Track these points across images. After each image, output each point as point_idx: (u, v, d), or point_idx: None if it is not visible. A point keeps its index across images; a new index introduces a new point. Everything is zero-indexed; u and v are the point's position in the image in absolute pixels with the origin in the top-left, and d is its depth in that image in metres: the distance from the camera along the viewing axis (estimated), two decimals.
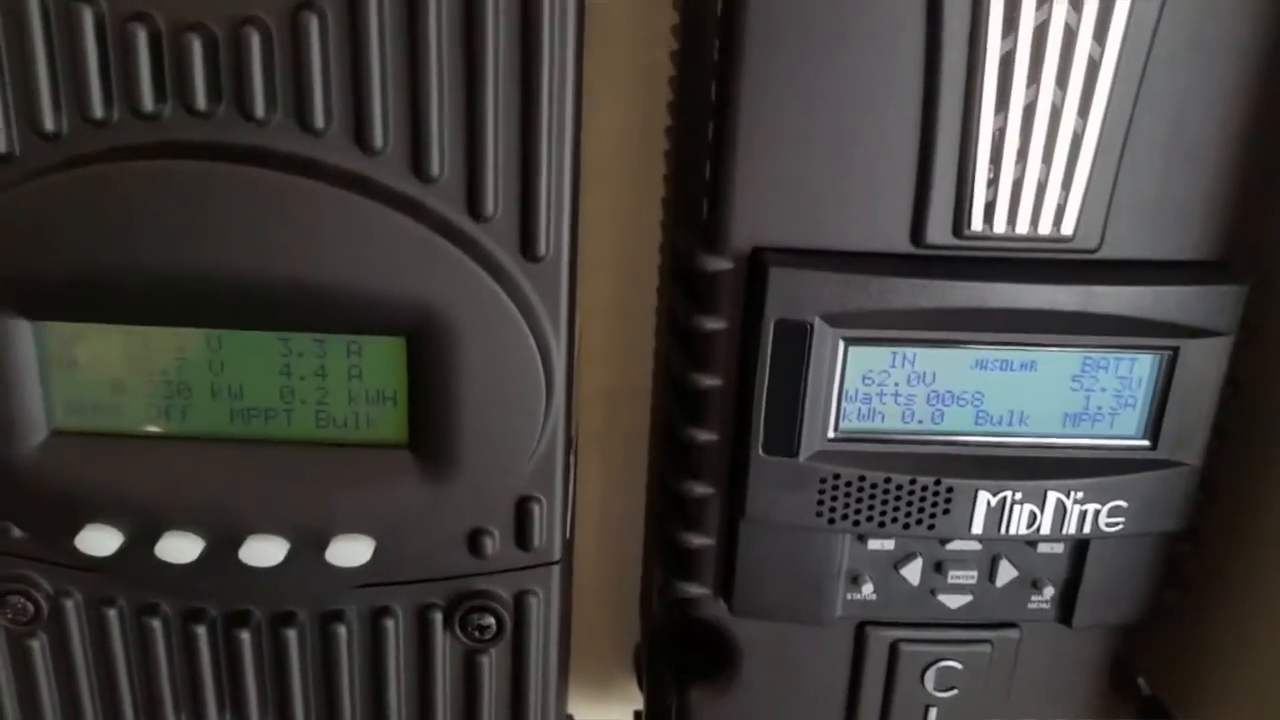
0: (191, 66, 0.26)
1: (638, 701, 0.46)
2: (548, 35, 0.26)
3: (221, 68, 0.26)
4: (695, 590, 0.36)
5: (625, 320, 0.44)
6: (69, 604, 0.32)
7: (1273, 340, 0.34)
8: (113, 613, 0.32)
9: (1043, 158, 0.30)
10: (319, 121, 0.27)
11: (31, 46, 0.26)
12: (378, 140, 0.27)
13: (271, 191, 0.26)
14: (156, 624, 0.32)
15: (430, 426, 0.29)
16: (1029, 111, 0.29)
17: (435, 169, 0.27)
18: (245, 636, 0.32)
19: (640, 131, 0.40)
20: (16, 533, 0.31)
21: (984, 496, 0.32)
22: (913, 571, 0.34)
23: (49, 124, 0.27)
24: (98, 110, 0.26)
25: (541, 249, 0.28)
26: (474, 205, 0.28)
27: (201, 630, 0.32)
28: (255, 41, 0.26)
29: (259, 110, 0.26)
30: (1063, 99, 0.29)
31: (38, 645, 0.33)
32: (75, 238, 0.27)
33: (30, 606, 0.32)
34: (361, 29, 0.26)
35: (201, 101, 0.26)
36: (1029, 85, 0.29)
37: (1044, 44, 0.29)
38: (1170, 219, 0.31)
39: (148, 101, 0.26)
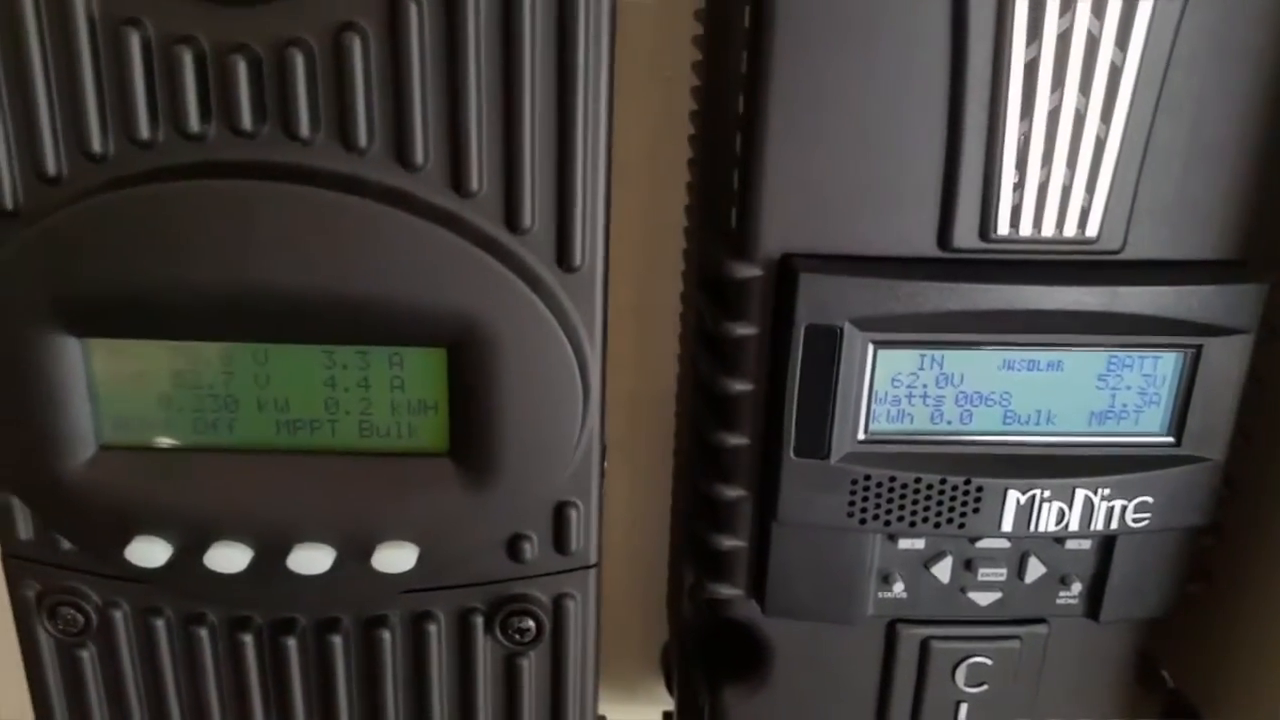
0: (237, 88, 0.26)
1: (666, 702, 0.46)
2: (582, 55, 0.27)
3: (266, 88, 0.27)
4: (727, 591, 0.36)
5: (648, 325, 0.45)
6: (117, 615, 0.33)
7: None
8: (160, 622, 0.33)
9: (1067, 162, 0.30)
10: (361, 140, 0.27)
11: (80, 70, 0.27)
12: (418, 157, 0.27)
13: (315, 208, 0.27)
14: (204, 633, 0.33)
15: (471, 434, 0.30)
16: (1053, 117, 0.30)
17: (474, 184, 0.28)
18: (291, 643, 0.33)
19: (662, 140, 0.41)
20: (66, 546, 0.32)
21: (1013, 495, 0.33)
22: (943, 570, 0.35)
23: (96, 146, 0.27)
24: (144, 132, 0.27)
25: (577, 259, 0.29)
26: (512, 219, 0.28)
27: (248, 638, 0.33)
28: (299, 62, 0.26)
29: (303, 129, 0.27)
30: (1086, 104, 0.30)
31: (87, 656, 0.33)
32: (123, 257, 0.27)
33: (80, 618, 0.33)
34: (402, 50, 0.26)
35: (247, 122, 0.27)
36: (1053, 91, 0.29)
37: (1067, 51, 0.29)
38: (1191, 220, 0.32)
39: (193, 122, 0.27)
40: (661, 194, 0.42)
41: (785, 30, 0.29)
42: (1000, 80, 0.29)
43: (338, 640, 0.33)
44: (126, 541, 0.30)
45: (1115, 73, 0.29)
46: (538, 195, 0.28)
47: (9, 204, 0.28)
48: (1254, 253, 0.32)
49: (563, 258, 0.29)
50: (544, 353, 0.29)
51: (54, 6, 0.26)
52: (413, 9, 0.26)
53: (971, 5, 0.29)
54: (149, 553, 0.30)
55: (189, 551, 0.30)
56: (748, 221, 0.31)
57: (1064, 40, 0.29)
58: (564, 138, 0.28)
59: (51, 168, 0.28)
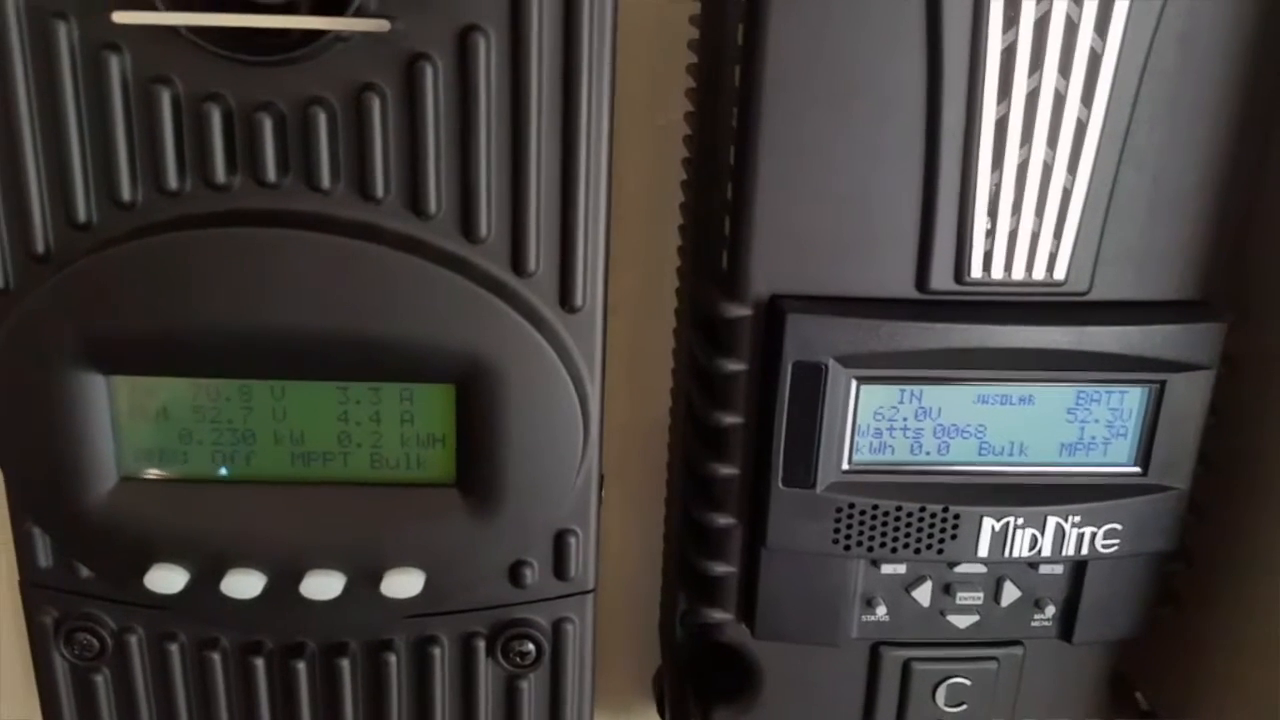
0: (262, 142, 0.28)
1: None
2: (585, 111, 0.29)
3: (289, 143, 0.28)
4: (718, 615, 0.38)
5: (642, 360, 0.46)
6: (132, 640, 0.34)
7: (1252, 372, 0.37)
8: (174, 647, 0.34)
9: (1036, 210, 0.32)
10: (378, 190, 0.29)
11: (112, 124, 0.28)
12: (431, 206, 0.29)
13: (334, 254, 0.29)
14: (216, 657, 0.34)
15: (476, 466, 0.31)
16: (1023, 169, 0.32)
17: (483, 231, 0.30)
18: (301, 667, 0.34)
19: (656, 185, 0.43)
20: (85, 573, 0.33)
21: (988, 522, 0.34)
22: (923, 594, 0.36)
23: (126, 195, 0.29)
24: (172, 182, 0.29)
25: (579, 300, 0.31)
26: (518, 263, 0.30)
27: (259, 662, 0.34)
28: (321, 119, 0.28)
29: (324, 181, 0.29)
30: (1053, 157, 0.32)
31: (101, 680, 0.35)
32: (149, 299, 0.29)
33: (95, 643, 0.34)
34: (418, 108, 0.28)
35: (270, 174, 0.29)
36: (1022, 144, 0.32)
37: (1036, 107, 0.31)
38: (1154, 263, 0.34)
39: (220, 174, 0.29)
40: (656, 236, 0.43)
41: (773, 89, 0.31)
42: (972, 135, 0.31)
43: (345, 664, 0.34)
44: (145, 569, 0.32)
45: (1081, 127, 0.32)
46: (542, 241, 0.30)
47: (40, 249, 0.29)
48: (1213, 293, 0.34)
49: (565, 299, 0.31)
50: (547, 388, 0.31)
51: (90, 64, 0.28)
52: (428, 71, 0.28)
53: (946, 65, 0.31)
54: (167, 580, 0.31)
55: (205, 578, 0.32)
56: (738, 264, 0.33)
57: (1033, 97, 0.31)
58: (567, 188, 0.30)
59: (82, 215, 0.29)
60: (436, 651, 0.34)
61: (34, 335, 0.29)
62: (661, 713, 0.47)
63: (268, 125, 0.28)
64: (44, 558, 0.33)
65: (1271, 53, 0.32)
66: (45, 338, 0.29)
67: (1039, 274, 0.33)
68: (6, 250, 0.30)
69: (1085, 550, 0.35)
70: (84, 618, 0.34)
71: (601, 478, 0.34)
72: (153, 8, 0.27)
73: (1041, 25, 0.30)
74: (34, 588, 0.34)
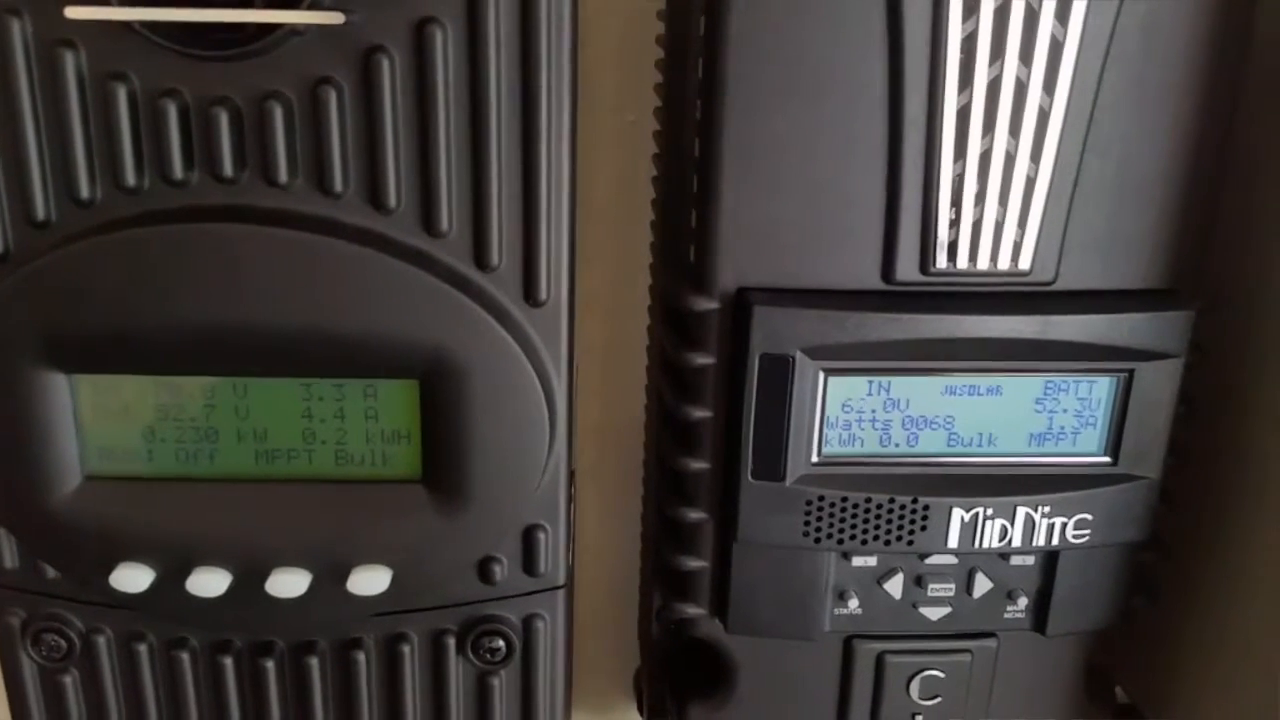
0: (219, 137, 0.28)
1: None
2: (545, 103, 0.29)
3: (246, 137, 0.28)
4: (692, 611, 0.38)
5: (616, 358, 0.46)
6: (100, 640, 0.34)
7: (1220, 360, 0.37)
8: (143, 647, 0.34)
9: (999, 200, 0.32)
10: (337, 185, 0.29)
11: (69, 122, 0.28)
12: (391, 200, 0.29)
13: (293, 250, 0.29)
14: (185, 657, 0.34)
15: (442, 462, 0.31)
16: (985, 158, 0.32)
17: (444, 225, 0.30)
18: (270, 666, 0.34)
19: (628, 181, 0.43)
20: (51, 573, 0.33)
21: (958, 513, 0.34)
22: (895, 586, 0.36)
23: (84, 192, 0.29)
24: (130, 179, 0.29)
25: (543, 294, 0.31)
26: (480, 257, 0.30)
27: (228, 661, 0.34)
28: (278, 114, 0.28)
29: (282, 176, 0.29)
30: (1016, 146, 0.32)
31: (69, 681, 0.34)
32: (109, 297, 0.29)
33: (63, 643, 0.34)
34: (376, 101, 0.28)
35: (228, 169, 0.28)
36: (984, 134, 0.32)
37: (998, 96, 0.31)
38: (1120, 252, 0.34)
39: (178, 170, 0.29)
40: (629, 232, 0.43)
41: (735, 82, 0.31)
42: (935, 126, 0.31)
43: (314, 662, 0.34)
44: (111, 568, 0.31)
45: (1044, 116, 0.32)
46: (505, 235, 0.30)
47: None
48: (1181, 281, 0.34)
49: (529, 293, 0.31)
50: (512, 383, 0.30)
51: (45, 62, 0.28)
52: (385, 63, 0.28)
53: (907, 55, 0.31)
54: (133, 579, 0.31)
55: (171, 577, 0.32)
56: (705, 258, 0.33)
57: (994, 87, 0.31)
58: (529, 181, 0.30)
59: (40, 213, 0.29)
60: (406, 649, 0.34)
61: None
62: (642, 711, 0.47)
63: (224, 120, 0.28)
64: (9, 558, 0.33)
65: (1234, 37, 0.32)
66: (6, 337, 0.29)
67: (1004, 264, 0.33)
68: None
69: (1056, 541, 0.35)
70: (51, 618, 0.34)
71: (572, 473, 0.34)
72: (106, 3, 0.27)
73: (1002, 13, 0.30)
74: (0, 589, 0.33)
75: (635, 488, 0.47)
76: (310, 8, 0.27)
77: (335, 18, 0.27)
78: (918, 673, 0.37)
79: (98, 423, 0.31)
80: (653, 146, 0.41)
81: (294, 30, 0.27)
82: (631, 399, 0.46)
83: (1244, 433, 0.38)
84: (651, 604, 0.41)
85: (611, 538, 0.49)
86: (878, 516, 0.34)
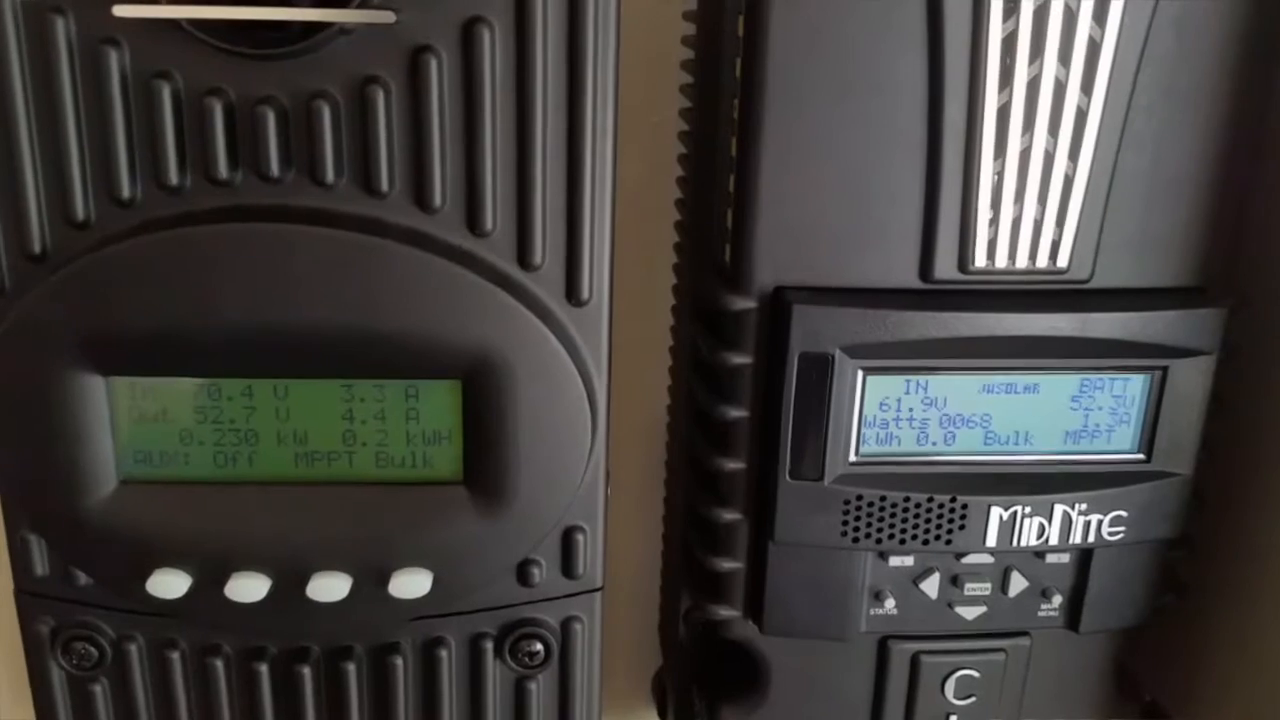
0: (264, 137, 0.28)
1: None
2: (591, 102, 0.29)
3: (292, 137, 0.28)
4: (725, 612, 0.38)
5: (639, 357, 0.46)
6: (132, 648, 0.33)
7: (1253, 357, 0.37)
8: (175, 655, 0.33)
9: (1038, 198, 0.32)
10: (383, 185, 0.29)
11: (112, 120, 0.28)
12: (436, 200, 0.29)
13: (338, 250, 0.28)
14: (219, 664, 0.33)
15: (483, 463, 0.31)
16: (1024, 157, 0.32)
17: (489, 224, 0.29)
18: (305, 671, 0.34)
19: (650, 182, 0.43)
20: (82, 580, 0.32)
21: (996, 511, 0.34)
22: (931, 585, 0.36)
23: (125, 192, 0.28)
24: (173, 178, 0.28)
25: (585, 294, 0.31)
26: (524, 256, 0.30)
27: (263, 668, 0.33)
28: (325, 113, 0.28)
29: (327, 176, 0.28)
30: (1055, 145, 0.32)
31: (99, 690, 0.34)
32: (149, 298, 0.29)
33: (94, 652, 0.33)
34: (423, 101, 0.28)
35: (273, 169, 0.28)
36: (1024, 133, 0.32)
37: (1037, 96, 0.31)
38: (1154, 250, 0.34)
39: (222, 170, 0.28)
40: (651, 233, 0.43)
41: (775, 81, 0.31)
42: (975, 125, 0.31)
43: (351, 668, 0.34)
44: (147, 575, 0.31)
45: (1081, 116, 0.32)
46: (548, 234, 0.30)
47: (37, 249, 0.29)
48: (1214, 279, 0.35)
49: (572, 293, 0.30)
50: (555, 383, 0.30)
51: (88, 60, 0.27)
52: (433, 63, 0.28)
53: (947, 54, 0.31)
54: (170, 584, 0.31)
55: (209, 583, 0.31)
56: (741, 257, 0.33)
57: (1034, 86, 0.31)
58: (573, 180, 0.29)
59: (80, 213, 0.29)
60: (444, 653, 0.34)
61: (31, 337, 0.29)
62: (662, 714, 0.47)
63: (270, 119, 0.28)
64: (40, 565, 0.32)
65: (1267, 36, 0.32)
66: (43, 339, 0.29)
67: (1042, 262, 0.33)
68: (1, 251, 0.29)
69: (1091, 538, 0.35)
70: (82, 626, 0.33)
71: (608, 473, 0.34)
72: (154, 1, 0.26)
73: (1041, 14, 0.31)
74: (29, 596, 0.33)
75: (657, 489, 0.47)
76: (360, 6, 0.27)
77: (386, 17, 0.27)
78: (953, 672, 0.37)
79: (134, 426, 0.31)
80: (677, 147, 0.41)
81: (342, 29, 0.27)
82: (654, 399, 0.46)
83: (1272, 430, 0.38)
84: (676, 605, 0.41)
85: (633, 538, 0.48)
86: (916, 516, 0.34)
